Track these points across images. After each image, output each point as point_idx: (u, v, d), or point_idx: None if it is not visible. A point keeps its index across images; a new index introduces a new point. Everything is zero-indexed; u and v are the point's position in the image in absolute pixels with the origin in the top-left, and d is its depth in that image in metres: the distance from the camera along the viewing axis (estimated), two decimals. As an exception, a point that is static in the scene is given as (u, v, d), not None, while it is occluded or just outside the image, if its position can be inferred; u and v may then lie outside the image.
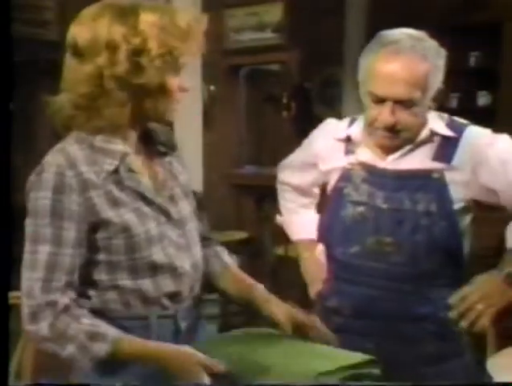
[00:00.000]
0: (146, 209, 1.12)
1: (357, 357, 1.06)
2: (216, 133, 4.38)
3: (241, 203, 3.56)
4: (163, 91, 1.09)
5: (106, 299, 1.11)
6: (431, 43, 1.32)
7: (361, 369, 1.05)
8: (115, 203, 1.09)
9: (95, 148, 1.10)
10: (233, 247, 2.80)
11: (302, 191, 1.60)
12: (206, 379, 1.00)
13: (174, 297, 1.14)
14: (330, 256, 1.45)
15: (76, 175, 1.06)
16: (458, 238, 1.36)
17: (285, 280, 1.68)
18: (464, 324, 1.24)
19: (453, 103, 4.29)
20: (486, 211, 1.39)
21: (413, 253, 1.34)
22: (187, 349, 1.05)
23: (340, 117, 1.55)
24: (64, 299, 1.05)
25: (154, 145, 1.20)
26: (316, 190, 1.62)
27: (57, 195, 1.05)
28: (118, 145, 1.11)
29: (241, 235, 3.12)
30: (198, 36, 1.10)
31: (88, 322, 1.05)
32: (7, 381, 1.00)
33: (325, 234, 1.47)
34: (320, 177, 1.51)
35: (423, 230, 1.33)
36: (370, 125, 1.34)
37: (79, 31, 1.07)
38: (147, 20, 1.05)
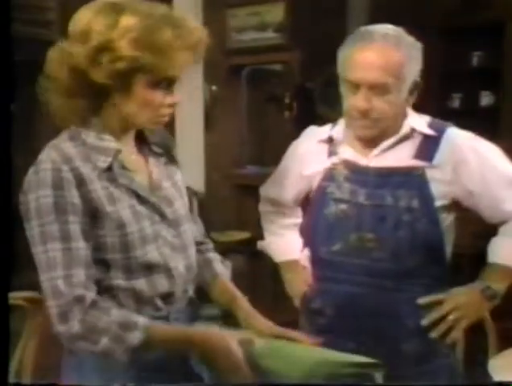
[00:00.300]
0: (140, 207, 1.12)
1: (361, 358, 1.07)
2: (217, 133, 4.39)
3: (243, 203, 3.56)
4: (138, 100, 1.07)
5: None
6: (407, 36, 1.36)
7: (364, 368, 1.05)
8: (111, 198, 1.09)
9: (88, 145, 1.10)
10: (234, 247, 2.80)
11: (284, 211, 1.60)
12: (240, 360, 1.01)
13: (167, 297, 1.14)
14: (314, 257, 1.46)
15: (71, 169, 1.06)
16: (440, 235, 1.37)
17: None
18: (434, 334, 1.25)
19: (456, 103, 4.28)
20: (469, 210, 1.40)
21: (395, 250, 1.35)
22: (219, 331, 1.07)
23: (342, 117, 1.56)
24: (90, 293, 1.04)
25: (149, 145, 1.20)
26: (298, 211, 1.61)
27: (58, 191, 1.05)
28: (111, 143, 1.11)
29: (242, 235, 3.11)
30: (177, 56, 1.06)
31: (117, 313, 1.05)
32: (7, 381, 0.99)
33: (309, 234, 1.49)
34: (302, 188, 1.51)
35: (406, 226, 1.34)
36: (348, 116, 1.38)
37: (73, 18, 1.09)
38: (127, 22, 1.04)
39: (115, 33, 1.04)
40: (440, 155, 1.36)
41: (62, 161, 1.06)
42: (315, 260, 1.46)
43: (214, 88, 4.44)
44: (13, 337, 1.27)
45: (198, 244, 1.28)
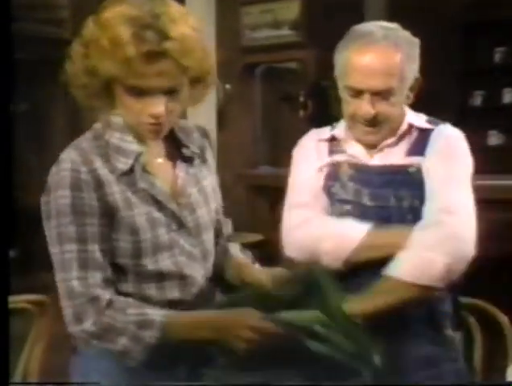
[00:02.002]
0: (157, 214, 1.10)
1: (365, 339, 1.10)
2: (231, 132, 4.38)
3: (256, 204, 3.55)
4: (119, 103, 1.06)
5: None
6: (404, 33, 1.34)
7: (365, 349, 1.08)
8: (128, 203, 1.08)
9: (110, 146, 1.09)
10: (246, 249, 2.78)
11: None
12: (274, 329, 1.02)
13: (177, 303, 1.13)
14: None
15: (90, 171, 1.06)
16: None
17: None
18: None
19: (477, 101, 4.23)
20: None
21: None
22: (239, 313, 1.07)
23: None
24: (106, 294, 1.05)
25: (179, 148, 1.17)
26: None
27: (76, 192, 1.05)
28: (133, 144, 1.10)
29: (254, 237, 3.09)
30: (133, 62, 0.99)
31: (134, 311, 1.05)
32: (7, 381, 0.99)
33: None
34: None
35: (410, 226, 1.32)
36: (351, 120, 1.36)
37: None
38: (85, 32, 1.03)
39: (83, 40, 1.04)
40: (429, 146, 1.35)
41: (82, 162, 1.06)
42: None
43: (228, 86, 4.44)
44: (19, 340, 1.27)
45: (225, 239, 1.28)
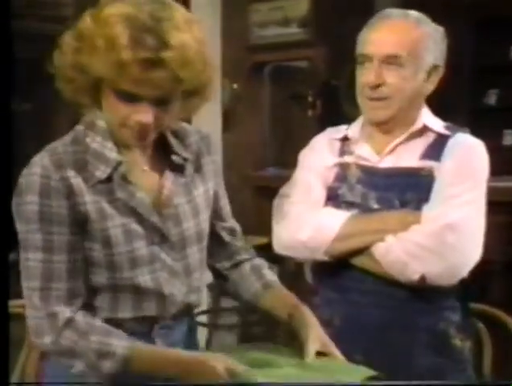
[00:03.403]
0: (135, 226, 1.06)
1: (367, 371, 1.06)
2: (239, 133, 4.38)
3: (262, 207, 3.54)
4: (105, 104, 1.02)
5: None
6: (429, 21, 1.36)
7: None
8: (102, 214, 1.05)
9: (90, 151, 1.06)
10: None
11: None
12: None
13: (154, 320, 1.10)
14: (324, 264, 1.40)
15: (62, 179, 1.03)
16: None
17: (305, 287, 1.66)
18: None
19: (492, 100, 4.20)
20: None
21: None
22: (209, 356, 1.03)
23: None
24: (66, 312, 1.03)
25: (169, 155, 1.12)
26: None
27: (44, 200, 1.02)
28: (113, 152, 1.06)
29: (261, 240, 3.09)
30: (126, 66, 0.94)
31: (96, 339, 1.02)
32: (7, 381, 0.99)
33: None
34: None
35: (394, 210, 1.32)
36: (361, 96, 1.36)
37: None
38: (82, 23, 0.99)
39: (78, 34, 1.00)
40: (445, 154, 1.33)
41: (53, 168, 1.03)
42: (324, 265, 1.41)
43: (235, 86, 4.43)
44: (16, 345, 1.27)
45: (239, 253, 1.25)
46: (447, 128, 1.38)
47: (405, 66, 1.30)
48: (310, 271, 1.48)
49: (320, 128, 1.59)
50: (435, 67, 1.35)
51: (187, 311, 1.17)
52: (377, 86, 1.31)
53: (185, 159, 1.14)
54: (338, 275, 1.37)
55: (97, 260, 1.06)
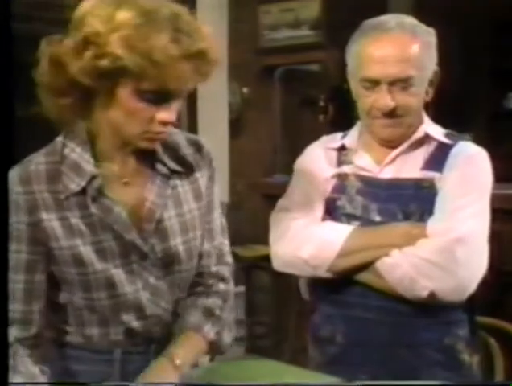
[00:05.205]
0: (111, 244, 1.03)
1: None
2: (248, 138, 4.39)
3: (269, 215, 3.54)
4: (121, 107, 0.99)
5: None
6: (421, 24, 1.35)
7: None
8: (70, 231, 1.02)
9: (67, 162, 1.03)
10: (258, 263, 2.77)
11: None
12: None
13: (136, 335, 1.08)
14: (323, 279, 1.38)
15: (26, 193, 1.00)
16: None
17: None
18: None
19: (510, 103, 4.17)
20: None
21: None
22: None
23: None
24: (10, 337, 0.98)
25: (154, 165, 1.10)
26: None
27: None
28: (89, 165, 1.03)
29: (267, 250, 3.06)
30: (172, 66, 0.96)
31: (24, 372, 0.99)
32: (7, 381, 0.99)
33: None
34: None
35: (399, 223, 1.31)
36: (369, 116, 1.34)
37: (76, 8, 1.05)
38: (122, 17, 0.97)
39: (106, 27, 0.97)
40: (448, 165, 1.32)
41: (19, 181, 1.01)
42: (323, 280, 1.39)
43: (245, 90, 4.44)
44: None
45: (201, 278, 1.16)
46: (448, 136, 1.37)
47: (414, 84, 1.30)
48: (307, 287, 1.46)
49: (332, 133, 1.59)
50: (435, 73, 1.35)
51: (170, 332, 1.13)
52: (392, 109, 1.30)
53: (173, 171, 1.10)
54: (339, 290, 1.36)
55: (70, 281, 1.03)
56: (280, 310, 2.18)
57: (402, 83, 1.28)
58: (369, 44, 1.31)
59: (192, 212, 1.12)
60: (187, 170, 1.13)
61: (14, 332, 1.01)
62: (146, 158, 1.10)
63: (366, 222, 1.34)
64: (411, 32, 1.30)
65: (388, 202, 1.33)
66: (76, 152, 1.05)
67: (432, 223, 1.28)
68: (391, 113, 1.30)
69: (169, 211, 1.08)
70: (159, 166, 1.10)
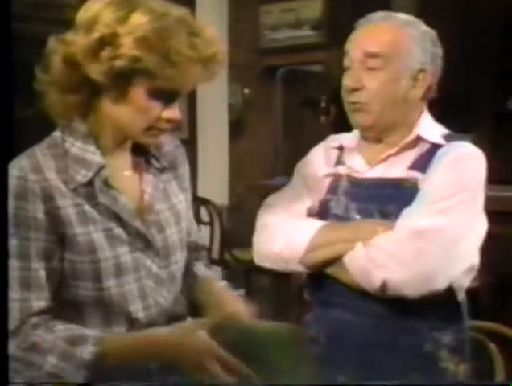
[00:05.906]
0: (119, 231, 1.07)
1: None
2: (249, 140, 4.39)
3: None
4: (132, 105, 1.04)
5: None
6: (421, 24, 1.36)
7: None
8: (84, 218, 1.05)
9: (70, 155, 1.07)
10: (257, 266, 2.76)
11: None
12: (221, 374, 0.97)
13: (140, 325, 1.10)
14: (313, 277, 1.40)
15: (40, 180, 1.03)
16: None
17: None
18: None
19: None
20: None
21: None
22: (187, 336, 1.02)
23: None
24: (35, 319, 1.02)
25: (149, 160, 1.16)
26: None
27: (20, 202, 1.02)
28: (95, 156, 1.08)
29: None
30: (186, 67, 1.03)
31: (62, 327, 1.02)
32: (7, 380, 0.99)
33: None
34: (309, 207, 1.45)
35: (368, 218, 1.31)
36: (345, 102, 1.37)
37: (83, 7, 1.08)
38: (138, 19, 1.02)
39: (122, 28, 1.01)
40: (432, 163, 1.31)
41: (31, 169, 1.03)
42: (314, 281, 1.40)
43: (246, 90, 4.45)
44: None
45: (192, 249, 1.25)
46: (445, 137, 1.35)
47: (385, 69, 1.30)
48: (304, 287, 1.48)
49: (334, 134, 1.59)
50: (421, 72, 1.33)
51: (174, 321, 1.17)
52: (355, 90, 1.32)
53: (163, 166, 1.18)
54: (325, 290, 1.37)
55: (81, 271, 1.05)
56: (278, 313, 2.19)
57: (371, 60, 1.30)
58: (355, 31, 1.38)
59: (180, 204, 1.19)
60: (171, 165, 1.20)
61: (34, 320, 1.02)
62: (141, 152, 1.16)
63: (347, 221, 1.34)
64: (397, 24, 1.33)
65: (367, 202, 1.33)
66: (77, 146, 1.08)
67: (401, 218, 1.28)
68: (356, 95, 1.32)
69: (162, 204, 1.15)
70: (153, 161, 1.17)
